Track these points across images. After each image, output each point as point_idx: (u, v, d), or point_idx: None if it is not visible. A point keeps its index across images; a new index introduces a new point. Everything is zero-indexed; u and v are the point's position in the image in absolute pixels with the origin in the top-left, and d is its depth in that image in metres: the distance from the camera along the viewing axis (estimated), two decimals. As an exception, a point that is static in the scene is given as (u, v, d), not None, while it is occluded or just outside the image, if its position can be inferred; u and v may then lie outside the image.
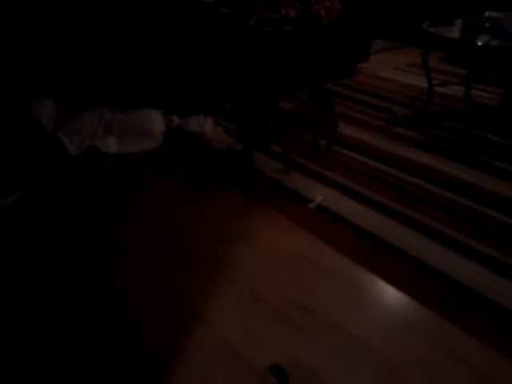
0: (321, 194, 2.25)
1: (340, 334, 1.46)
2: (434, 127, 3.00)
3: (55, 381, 1.34)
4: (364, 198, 2.20)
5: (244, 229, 2.00)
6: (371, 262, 1.78)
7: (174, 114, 3.02)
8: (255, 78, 3.40)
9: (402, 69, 4.28)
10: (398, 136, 2.87)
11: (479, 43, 2.76)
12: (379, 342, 1.43)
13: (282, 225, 2.02)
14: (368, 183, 2.33)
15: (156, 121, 2.89)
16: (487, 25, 2.94)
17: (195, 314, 1.54)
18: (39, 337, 1.47)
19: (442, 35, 2.92)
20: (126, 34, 2.97)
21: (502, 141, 2.80)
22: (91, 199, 2.27)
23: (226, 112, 3.12)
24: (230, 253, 1.85)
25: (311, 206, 2.16)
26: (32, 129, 2.64)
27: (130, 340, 1.45)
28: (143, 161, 2.61)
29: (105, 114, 2.86)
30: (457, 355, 1.39)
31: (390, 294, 1.65)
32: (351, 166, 2.53)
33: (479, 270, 1.74)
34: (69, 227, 2.04)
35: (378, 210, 2.11)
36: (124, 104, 2.99)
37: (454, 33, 2.96)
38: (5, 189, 2.24)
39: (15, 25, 2.87)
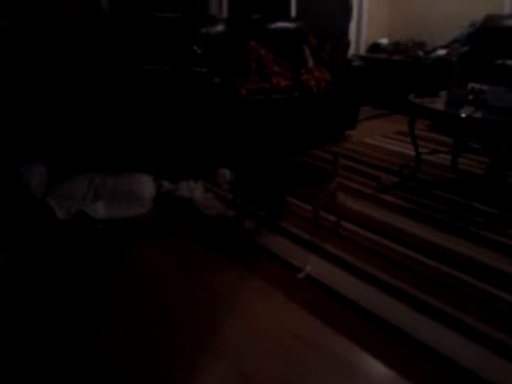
0: (310, 264, 2.23)
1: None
2: (423, 195, 3.03)
3: None
4: (353, 268, 2.18)
5: (235, 303, 1.96)
6: (360, 338, 1.73)
7: (165, 178, 3.04)
8: (247, 144, 3.45)
9: (390, 136, 4.39)
10: (387, 204, 2.90)
11: (463, 115, 2.85)
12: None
13: (274, 298, 1.98)
14: (357, 253, 2.32)
15: (146, 186, 2.90)
16: (470, 97, 3.04)
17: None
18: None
19: (427, 107, 3.01)
20: (119, 100, 3.03)
21: (488, 210, 2.82)
22: (78, 266, 2.23)
23: (216, 177, 3.16)
24: (220, 328, 1.80)
25: (300, 275, 2.14)
26: (21, 193, 2.63)
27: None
28: (132, 226, 2.59)
29: (95, 179, 2.87)
30: None
31: (381, 373, 1.60)
32: (340, 233, 2.52)
33: (470, 346, 1.70)
34: (56, 299, 1.99)
35: (368, 281, 2.09)
36: (115, 168, 3.01)
37: (439, 104, 3.06)
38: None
39: (10, 89, 2.93)
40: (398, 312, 1.89)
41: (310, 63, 4.03)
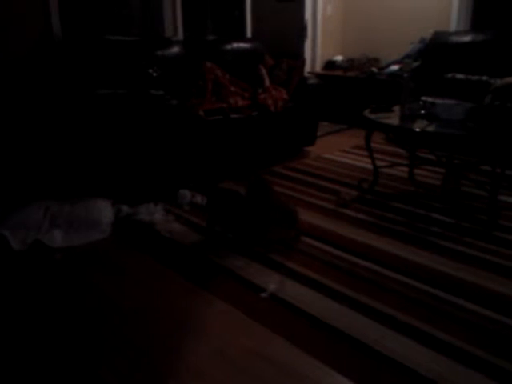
0: (274, 282, 2.21)
1: None
2: (382, 208, 3.08)
3: None
4: (317, 285, 2.18)
5: (197, 326, 1.92)
6: (327, 355, 1.72)
7: (124, 202, 2.99)
8: (205, 163, 3.44)
9: (348, 151, 4.46)
10: (347, 218, 2.92)
11: (417, 129, 2.92)
12: None
13: (238, 319, 1.96)
14: (320, 268, 2.32)
15: (104, 211, 2.84)
16: (422, 111, 3.13)
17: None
18: None
19: (382, 122, 3.08)
20: (73, 126, 2.98)
21: (446, 219, 2.89)
22: (36, 300, 2.15)
23: (176, 198, 3.12)
24: (182, 352, 1.76)
25: (264, 295, 2.12)
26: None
27: None
28: (91, 254, 2.53)
29: (51, 207, 2.80)
30: None
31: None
32: (302, 250, 2.53)
33: (434, 357, 1.71)
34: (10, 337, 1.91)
35: (332, 297, 2.09)
36: (72, 195, 2.94)
37: (394, 119, 3.13)
38: None
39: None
40: (364, 327, 1.89)
41: (267, 82, 4.07)
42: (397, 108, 3.36)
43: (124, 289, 2.20)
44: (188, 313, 2.00)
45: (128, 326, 1.92)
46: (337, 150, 4.49)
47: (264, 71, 4.17)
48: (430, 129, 2.92)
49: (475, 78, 4.44)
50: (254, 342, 1.81)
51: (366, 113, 3.28)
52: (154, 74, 3.42)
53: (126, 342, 1.82)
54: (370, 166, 3.47)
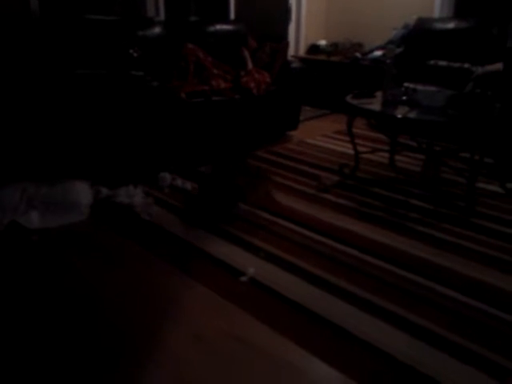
0: (252, 266, 2.21)
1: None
2: (362, 194, 3.10)
3: None
4: (296, 269, 2.19)
5: (175, 309, 1.92)
6: (305, 339, 1.74)
7: (103, 184, 2.95)
8: (187, 146, 3.41)
9: (330, 136, 4.46)
10: (328, 203, 2.94)
11: (398, 116, 2.93)
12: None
13: (216, 303, 1.96)
14: (300, 253, 2.33)
15: (82, 192, 2.80)
16: (404, 97, 3.14)
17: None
18: None
19: (364, 108, 3.08)
20: (51, 106, 2.91)
21: (424, 205, 2.92)
22: (11, 281, 2.12)
23: (157, 181, 3.10)
24: (159, 335, 1.76)
25: (243, 279, 2.12)
26: None
27: None
28: (68, 235, 2.49)
29: (28, 188, 2.74)
30: None
31: (325, 373, 1.61)
32: (282, 234, 2.53)
33: (411, 342, 1.74)
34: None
35: (311, 281, 2.10)
36: (49, 176, 2.89)
37: (376, 105, 3.13)
38: None
39: None
40: (343, 312, 1.90)
41: (250, 65, 4.03)
42: (379, 94, 3.36)
43: (102, 272, 2.18)
44: (168, 296, 2.00)
45: (110, 310, 1.91)
46: (319, 134, 4.49)
47: (247, 53, 4.13)
48: (412, 115, 2.92)
49: (457, 65, 4.46)
50: (231, 325, 1.81)
51: (348, 98, 3.27)
52: (135, 55, 3.36)
53: (109, 326, 1.81)
54: (351, 152, 3.48)
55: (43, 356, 1.65)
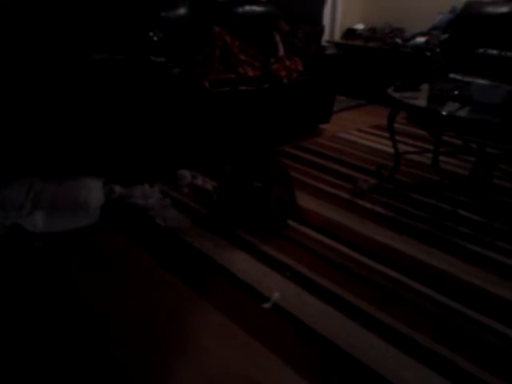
0: (277, 288, 1.92)
1: None
2: (403, 201, 2.76)
3: None
4: (329, 297, 1.88)
5: (185, 339, 1.65)
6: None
7: (117, 182, 2.70)
8: (209, 141, 3.13)
9: (366, 131, 4.11)
10: (364, 212, 2.61)
11: (444, 113, 2.57)
12: None
13: (232, 334, 1.68)
14: (331, 273, 2.03)
15: (93, 192, 2.55)
16: (456, 92, 2.77)
17: None
18: None
19: (407, 103, 2.73)
20: (61, 95, 2.65)
21: (474, 217, 2.57)
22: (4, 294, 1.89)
23: (175, 179, 2.83)
24: (166, 371, 1.50)
25: (266, 305, 1.84)
26: None
27: None
28: (74, 242, 2.25)
29: (35, 185, 2.51)
30: None
31: None
32: (311, 248, 2.23)
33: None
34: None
35: (344, 312, 1.80)
36: (59, 172, 2.65)
37: (421, 100, 2.78)
38: None
39: None
40: (385, 355, 1.60)
41: (281, 51, 3.69)
42: (424, 87, 3.01)
43: (107, 288, 1.93)
44: (178, 325, 1.73)
45: (111, 341, 1.65)
46: (354, 128, 4.14)
47: (278, 38, 3.80)
48: (461, 113, 2.57)
49: (510, 54, 4.05)
50: (247, 364, 1.53)
51: (390, 91, 2.92)
52: (155, 38, 3.06)
53: (104, 353, 1.57)
54: (389, 150, 3.13)
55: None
